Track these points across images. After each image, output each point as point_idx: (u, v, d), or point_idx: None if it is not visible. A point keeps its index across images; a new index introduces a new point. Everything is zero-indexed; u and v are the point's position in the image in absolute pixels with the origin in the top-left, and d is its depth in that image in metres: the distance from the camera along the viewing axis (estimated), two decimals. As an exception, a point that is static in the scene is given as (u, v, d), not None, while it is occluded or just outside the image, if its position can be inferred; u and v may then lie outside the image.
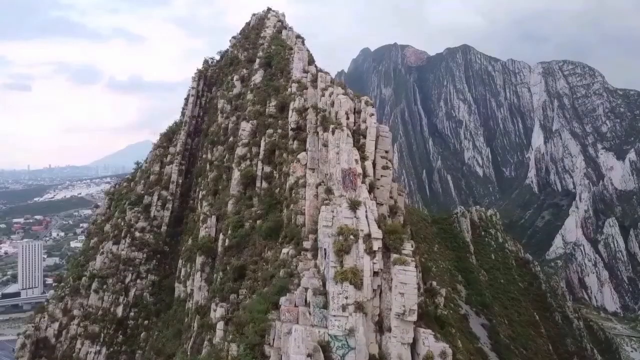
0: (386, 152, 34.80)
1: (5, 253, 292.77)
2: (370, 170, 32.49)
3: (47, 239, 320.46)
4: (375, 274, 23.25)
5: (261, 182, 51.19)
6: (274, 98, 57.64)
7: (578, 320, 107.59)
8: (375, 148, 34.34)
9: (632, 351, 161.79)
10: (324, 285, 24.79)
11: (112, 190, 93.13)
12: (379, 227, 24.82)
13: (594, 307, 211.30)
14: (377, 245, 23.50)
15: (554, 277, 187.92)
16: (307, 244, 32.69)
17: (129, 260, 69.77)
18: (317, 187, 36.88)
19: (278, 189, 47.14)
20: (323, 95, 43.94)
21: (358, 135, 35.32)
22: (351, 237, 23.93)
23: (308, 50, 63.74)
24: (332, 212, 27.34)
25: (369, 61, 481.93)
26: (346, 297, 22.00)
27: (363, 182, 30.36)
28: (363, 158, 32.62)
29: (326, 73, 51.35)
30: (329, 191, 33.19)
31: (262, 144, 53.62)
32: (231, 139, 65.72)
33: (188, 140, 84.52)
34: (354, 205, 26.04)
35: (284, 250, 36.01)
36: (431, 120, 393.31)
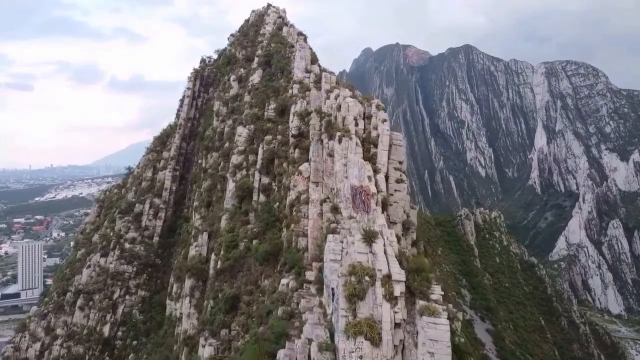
0: (400, 162, 30.77)
1: (6, 253, 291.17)
2: (382, 185, 28.35)
3: (48, 239, 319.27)
4: (397, 325, 18.59)
5: (258, 195, 46.36)
6: (273, 100, 53.04)
7: (584, 326, 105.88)
8: (388, 158, 30.35)
9: (637, 354, 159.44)
10: (331, 336, 20.40)
11: (102, 197, 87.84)
12: (401, 264, 20.16)
13: (597, 309, 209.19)
14: (399, 289, 18.86)
15: (557, 279, 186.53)
16: (310, 275, 28.33)
17: (118, 274, 64.41)
18: (321, 204, 32.84)
19: (277, 203, 42.53)
20: (328, 97, 39.86)
21: (368, 144, 31.36)
22: (366, 278, 19.25)
23: (310, 49, 58.47)
24: (342, 242, 22.49)
25: (371, 61, 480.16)
26: (360, 357, 17.65)
27: (377, 203, 25.72)
28: (375, 170, 28.50)
29: (331, 73, 46.96)
30: (335, 209, 29.75)
31: (260, 151, 48.82)
32: (227, 144, 60.88)
33: (183, 144, 78.73)
34: (369, 237, 20.89)
35: (283, 281, 31.51)
36: (433, 121, 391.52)
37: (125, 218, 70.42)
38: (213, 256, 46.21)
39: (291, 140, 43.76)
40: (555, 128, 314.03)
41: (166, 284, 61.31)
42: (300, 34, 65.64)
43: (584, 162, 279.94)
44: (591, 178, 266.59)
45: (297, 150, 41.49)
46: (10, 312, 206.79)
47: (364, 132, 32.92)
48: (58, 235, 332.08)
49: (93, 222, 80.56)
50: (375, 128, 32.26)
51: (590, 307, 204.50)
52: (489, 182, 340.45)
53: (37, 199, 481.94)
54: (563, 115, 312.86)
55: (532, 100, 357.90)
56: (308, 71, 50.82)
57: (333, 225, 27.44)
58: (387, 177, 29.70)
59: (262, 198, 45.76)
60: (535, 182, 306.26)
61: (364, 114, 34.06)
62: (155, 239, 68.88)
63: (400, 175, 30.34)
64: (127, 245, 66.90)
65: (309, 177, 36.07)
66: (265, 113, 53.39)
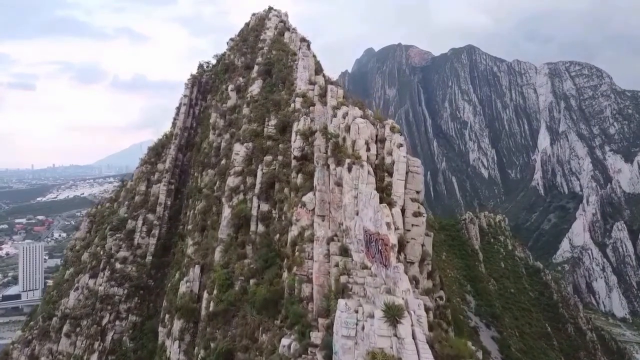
0: (417, 192, 27.14)
1: (7, 254, 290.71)
2: (399, 221, 24.72)
3: (49, 239, 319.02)
4: None
5: (257, 225, 41.32)
6: (273, 115, 48.18)
7: (591, 332, 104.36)
8: (404, 188, 26.75)
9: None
10: None
11: (94, 211, 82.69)
12: (432, 347, 16.19)
13: (602, 312, 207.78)
14: None
15: (561, 281, 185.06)
16: (315, 337, 23.85)
17: (107, 297, 59.16)
18: (328, 244, 28.41)
19: (277, 235, 37.56)
20: (335, 115, 35.43)
21: (381, 172, 28.02)
22: None
23: (314, 56, 53.60)
24: (356, 312, 18.12)
25: (373, 61, 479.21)
26: None
27: (399, 255, 21.76)
28: (390, 204, 24.98)
29: (337, 86, 42.03)
30: (345, 251, 25.96)
31: (259, 174, 43.85)
32: (223, 161, 55.35)
33: (179, 155, 73.28)
34: (392, 316, 16.43)
35: (284, 342, 26.79)
36: (436, 121, 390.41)
37: (117, 235, 65.59)
38: (205, 294, 41.41)
39: (293, 162, 39.13)
40: (558, 129, 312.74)
41: (159, 308, 55.94)
42: (303, 40, 60.12)
43: (587, 163, 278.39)
44: (595, 180, 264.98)
45: (300, 175, 36.90)
46: (11, 314, 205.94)
47: (377, 158, 29.46)
48: (59, 235, 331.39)
49: (83, 238, 76.07)
50: (390, 154, 28.65)
51: (594, 310, 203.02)
52: (491, 183, 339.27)
53: (38, 199, 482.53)
54: (566, 116, 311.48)
55: (535, 101, 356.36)
56: (312, 83, 46.39)
57: (344, 278, 23.09)
58: (403, 211, 26.13)
59: (261, 228, 40.92)
60: (538, 184, 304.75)
61: (377, 136, 30.47)
62: (149, 258, 63.92)
63: (418, 208, 26.89)
64: (118, 266, 62.27)
65: (313, 209, 31.49)
66: (265, 129, 48.78)
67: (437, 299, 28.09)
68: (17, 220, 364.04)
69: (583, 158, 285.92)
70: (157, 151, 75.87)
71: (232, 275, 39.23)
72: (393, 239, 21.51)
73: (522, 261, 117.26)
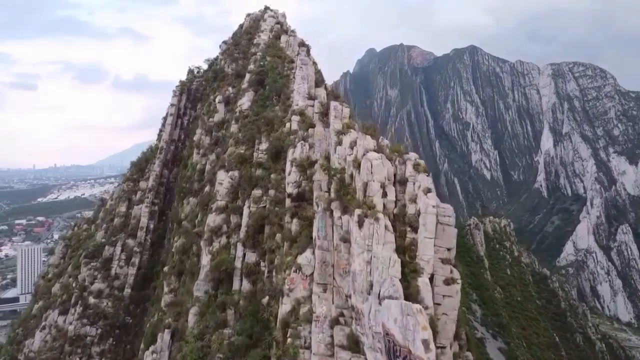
0: (449, 250, 20.71)
1: (6, 256, 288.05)
2: (427, 297, 18.69)
3: (49, 241, 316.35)
4: None
5: (241, 281, 33.37)
6: (265, 137, 39.97)
7: (600, 342, 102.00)
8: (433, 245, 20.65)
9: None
10: None
11: (69, 234, 74.70)
12: None
13: (606, 316, 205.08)
14: None
15: (565, 285, 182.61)
16: None
17: (78, 338, 51.37)
18: (332, 328, 21.66)
19: (266, 298, 30.09)
20: (339, 142, 28.40)
21: (402, 225, 21.72)
22: None
23: (315, 64, 46.01)
24: None
25: (375, 62, 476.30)
26: None
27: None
28: (415, 271, 19.38)
29: (342, 103, 33.80)
30: (355, 344, 20.00)
31: (246, 212, 35.80)
32: (207, 188, 46.23)
33: (164, 172, 64.52)
34: None
35: None
36: (438, 122, 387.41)
37: (92, 264, 57.67)
38: (176, 371, 32.89)
39: (287, 202, 31.55)
40: (562, 130, 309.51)
41: (137, 351, 47.62)
42: (302, 44, 52.32)
43: (591, 165, 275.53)
44: (599, 182, 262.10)
45: (295, 220, 29.57)
46: (9, 317, 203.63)
47: (396, 206, 22.73)
48: (59, 237, 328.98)
49: (57, 264, 67.54)
50: (414, 200, 22.00)
51: (599, 314, 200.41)
52: (494, 184, 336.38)
53: (39, 199, 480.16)
54: (570, 117, 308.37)
55: (538, 102, 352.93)
56: (311, 97, 39.12)
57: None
58: (432, 279, 20.09)
59: (246, 285, 33.01)
60: (541, 185, 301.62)
61: (395, 175, 23.87)
62: (127, 290, 56.01)
63: (451, 272, 20.48)
64: (91, 300, 54.43)
65: (312, 274, 24.25)
66: (255, 154, 40.31)
67: (464, 363, 23.66)
68: (17, 221, 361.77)
69: (587, 160, 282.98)
70: (140, 167, 67.37)
71: (207, 351, 30.82)
72: (429, 356, 15.14)
73: (529, 268, 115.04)
